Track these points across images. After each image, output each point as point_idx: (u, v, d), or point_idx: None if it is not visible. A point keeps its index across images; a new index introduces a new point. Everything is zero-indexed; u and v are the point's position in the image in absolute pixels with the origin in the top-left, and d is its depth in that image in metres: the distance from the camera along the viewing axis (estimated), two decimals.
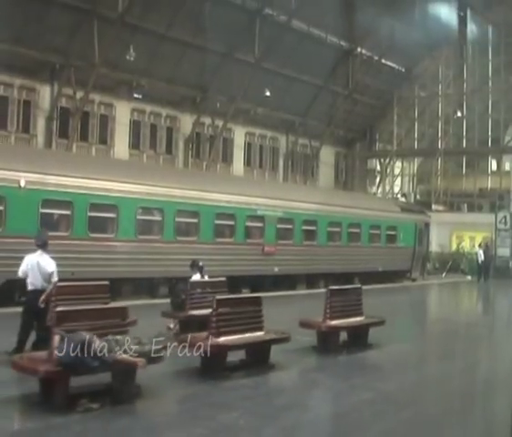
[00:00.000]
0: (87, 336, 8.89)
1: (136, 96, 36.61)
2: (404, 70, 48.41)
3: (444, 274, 39.41)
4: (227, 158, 41.40)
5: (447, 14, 44.34)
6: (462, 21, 44.51)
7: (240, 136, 41.95)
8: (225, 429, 8.25)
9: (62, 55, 32.59)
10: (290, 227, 26.38)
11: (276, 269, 24.47)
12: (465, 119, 49.95)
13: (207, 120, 39.90)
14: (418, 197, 50.85)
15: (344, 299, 14.52)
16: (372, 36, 41.99)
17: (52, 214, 19.30)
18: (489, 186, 47.51)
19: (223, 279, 15.22)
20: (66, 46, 32.37)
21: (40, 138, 33.46)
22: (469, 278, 37.06)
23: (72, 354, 8.76)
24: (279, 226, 25.75)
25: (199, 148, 40.07)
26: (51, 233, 17.50)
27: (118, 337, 9.43)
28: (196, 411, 8.92)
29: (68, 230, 19.39)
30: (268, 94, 39.35)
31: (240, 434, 8.19)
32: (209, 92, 38.20)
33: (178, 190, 22.03)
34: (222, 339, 10.54)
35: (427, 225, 35.81)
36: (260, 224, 25.02)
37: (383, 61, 44.69)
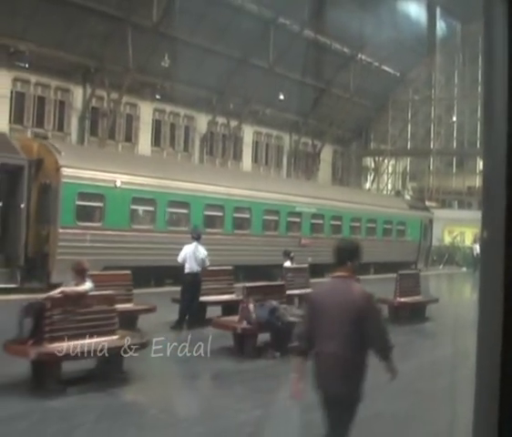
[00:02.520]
0: (274, 303, 12.73)
1: (157, 97, 39.88)
2: (398, 74, 52.80)
3: (441, 266, 43.85)
4: (237, 156, 45.01)
5: (440, 24, 48.71)
6: (453, 31, 48.96)
7: (248, 134, 45.73)
8: None
9: (96, 59, 35.70)
10: (321, 222, 30.34)
11: (310, 259, 28.24)
12: (456, 122, 54.60)
13: (220, 120, 43.35)
14: (411, 193, 55.32)
15: (408, 281, 18.59)
16: (371, 44, 45.93)
17: (139, 209, 22.83)
18: (477, 184, 52.13)
19: (306, 265, 19.06)
20: (100, 51, 35.47)
21: (73, 136, 36.56)
22: (464, 269, 41.45)
23: (264, 316, 12.59)
24: (313, 221, 29.66)
25: (212, 146, 43.56)
26: (138, 226, 21.40)
27: (285, 305, 13.31)
28: None
29: (152, 224, 22.95)
30: (282, 97, 43.13)
31: None
32: (225, 94, 41.67)
33: (235, 190, 25.74)
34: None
35: (431, 221, 40.32)
36: (297, 219, 28.88)
37: (382, 67, 48.74)
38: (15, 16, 31.58)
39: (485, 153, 2.43)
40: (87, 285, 10.23)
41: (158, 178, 23.32)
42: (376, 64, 48.64)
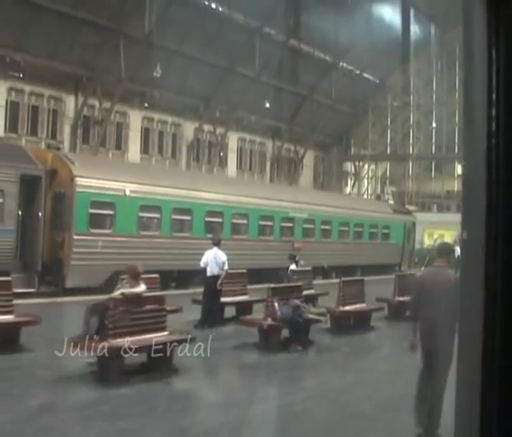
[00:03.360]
0: (297, 302, 14.28)
1: (146, 105, 41.20)
2: (378, 81, 54.73)
3: (423, 267, 45.62)
4: (222, 162, 46.49)
5: (418, 31, 50.75)
6: (431, 38, 51.07)
7: (233, 141, 47.26)
8: None
9: (88, 68, 36.91)
10: (312, 226, 31.97)
11: (302, 263, 29.81)
12: (434, 127, 56.77)
13: (206, 127, 44.80)
14: (390, 197, 57.33)
15: (405, 282, 20.28)
16: (352, 51, 47.78)
17: (146, 217, 24.24)
18: (456, 188, 54.30)
19: (309, 268, 20.66)
20: (92, 61, 36.68)
21: (66, 144, 37.73)
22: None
23: (288, 314, 14.12)
24: (304, 226, 31.29)
25: (198, 153, 44.99)
26: (145, 233, 22.83)
27: (304, 304, 14.87)
28: None
29: (158, 230, 24.37)
30: (268, 105, 44.67)
31: None
32: (211, 102, 43.12)
33: (234, 197, 27.29)
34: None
35: (414, 224, 42.21)
36: (290, 224, 30.49)
37: (362, 74, 50.65)
38: (11, 27, 32.62)
39: (465, 155, 2.45)
40: (142, 287, 11.63)
41: (163, 187, 24.68)
42: (357, 71, 50.37)
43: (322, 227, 33.02)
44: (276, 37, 43.40)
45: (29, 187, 20.68)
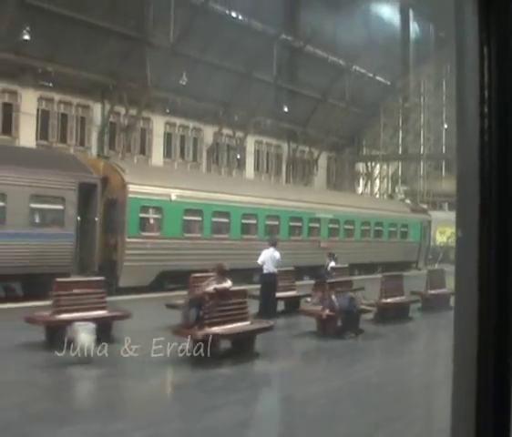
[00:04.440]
0: (352, 294, 16.25)
1: (167, 111, 43.18)
2: (389, 83, 56.81)
3: (436, 264, 47.72)
4: (240, 164, 48.50)
5: (429, 34, 52.87)
6: (441, 41, 53.13)
7: (250, 144, 49.23)
8: None
9: (115, 77, 38.83)
10: (336, 226, 33.98)
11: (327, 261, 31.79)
12: (444, 127, 58.95)
13: (225, 131, 46.78)
14: (402, 196, 59.42)
15: (436, 276, 22.31)
16: (365, 55, 49.82)
17: (190, 220, 26.22)
18: None
19: (346, 265, 22.65)
20: (119, 70, 38.59)
21: (93, 150, 39.67)
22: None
23: (345, 305, 16.11)
24: (330, 226, 33.29)
25: (218, 156, 46.99)
26: (188, 235, 24.82)
27: (354, 295, 16.85)
28: None
29: (200, 232, 26.36)
30: (286, 109, 46.67)
31: None
32: (230, 107, 45.10)
33: (267, 200, 29.32)
34: None
35: (429, 223, 44.27)
36: (317, 225, 32.49)
37: (375, 77, 52.77)
38: (43, 39, 34.51)
39: (458, 153, 2.42)
40: (228, 282, 13.63)
41: (204, 192, 26.66)
42: (370, 74, 52.44)
43: (346, 226, 34.99)
44: (293, 44, 45.21)
45: (86, 194, 22.59)
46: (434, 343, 17.13)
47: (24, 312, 18.23)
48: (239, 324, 13.27)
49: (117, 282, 23.17)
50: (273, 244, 18.92)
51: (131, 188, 23.42)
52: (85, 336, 12.20)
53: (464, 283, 2.37)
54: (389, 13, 51.23)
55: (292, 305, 19.79)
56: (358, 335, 16.30)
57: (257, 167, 50.21)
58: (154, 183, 24.69)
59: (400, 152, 62.01)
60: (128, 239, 23.30)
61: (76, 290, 14.05)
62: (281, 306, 19.96)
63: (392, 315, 18.87)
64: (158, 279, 24.68)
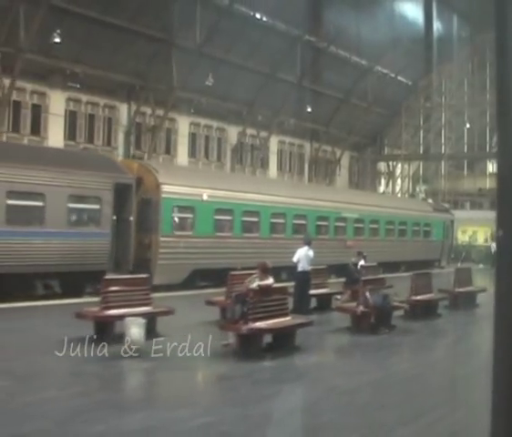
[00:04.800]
0: (385, 291, 16.82)
1: (192, 111, 43.90)
2: (411, 83, 57.27)
3: (459, 263, 48.19)
4: (263, 164, 49.17)
5: (451, 34, 53.27)
6: (463, 41, 53.58)
7: (273, 144, 49.88)
8: None
9: (142, 78, 39.58)
10: (362, 225, 34.53)
11: (353, 259, 32.28)
12: (466, 127, 59.36)
13: (249, 131, 47.45)
14: (423, 196, 59.93)
15: (463, 274, 22.89)
16: (387, 55, 50.32)
17: (221, 219, 26.88)
18: (488, 186, 56.80)
19: (375, 263, 23.21)
20: (145, 71, 39.34)
21: (120, 150, 40.46)
22: (481, 266, 45.79)
23: (379, 302, 16.66)
24: (355, 225, 33.86)
25: (242, 156, 47.67)
26: (219, 234, 25.47)
27: (388, 292, 17.41)
28: None
29: (230, 232, 27.01)
30: (309, 109, 47.27)
31: None
32: (254, 107, 45.75)
33: (295, 199, 29.94)
34: None
35: (452, 222, 44.74)
36: (343, 224, 33.08)
37: (397, 77, 53.30)
38: (72, 41, 35.32)
39: (499, 153, 2.36)
40: (270, 280, 14.27)
41: (234, 192, 27.33)
42: (392, 75, 52.94)
43: (371, 226, 35.55)
44: (316, 44, 45.79)
45: (121, 194, 23.30)
46: (465, 338, 17.78)
47: (62, 309, 19.09)
48: (280, 319, 13.87)
49: (151, 280, 23.77)
50: (308, 243, 19.53)
51: (165, 188, 24.10)
52: (136, 330, 12.83)
53: (505, 280, 2.31)
54: (410, 12, 51.58)
55: (324, 302, 20.34)
56: (391, 331, 16.85)
57: (280, 167, 50.81)
58: (186, 183, 25.38)
59: (421, 151, 62.34)
60: (161, 238, 23.98)
61: (123, 287, 14.67)
62: (313, 303, 20.51)
63: (421, 312, 19.40)
64: (191, 277, 25.32)
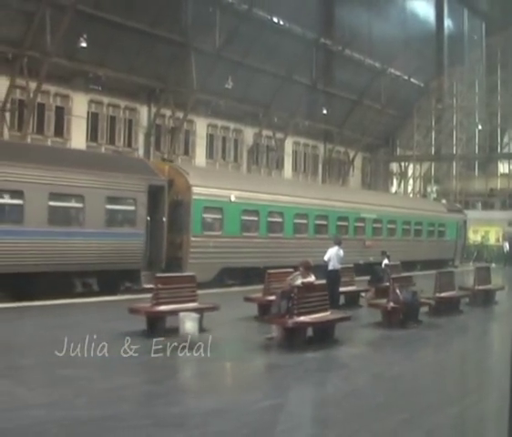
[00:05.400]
0: (414, 288, 17.99)
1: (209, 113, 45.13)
2: (423, 85, 58.46)
3: (471, 262, 49.39)
4: (279, 165, 50.40)
5: (462, 36, 54.48)
6: (473, 43, 54.77)
7: (288, 145, 51.09)
8: None
9: (161, 81, 40.75)
10: (380, 226, 35.73)
11: (371, 259, 33.43)
12: (477, 128, 60.54)
13: (264, 132, 48.67)
14: (435, 196, 61.13)
15: (483, 273, 24.03)
16: (400, 57, 51.52)
17: (247, 220, 28.08)
18: (499, 186, 57.96)
19: (398, 262, 24.40)
20: (166, 74, 40.50)
21: (140, 152, 41.66)
22: (493, 265, 46.94)
23: (409, 298, 17.83)
24: (374, 225, 35.05)
25: (257, 157, 48.89)
26: (246, 234, 26.66)
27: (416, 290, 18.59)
28: None
29: (257, 231, 28.21)
30: (325, 112, 48.47)
31: None
32: (271, 109, 46.97)
33: (317, 200, 31.13)
34: None
35: (465, 222, 45.93)
36: (362, 224, 34.27)
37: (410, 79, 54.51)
38: (95, 45, 36.52)
39: None
40: (312, 277, 15.46)
41: (259, 193, 28.53)
42: (405, 77, 54.14)
43: (389, 226, 36.73)
44: (331, 47, 46.99)
45: (155, 195, 24.50)
46: (489, 332, 19.11)
47: (99, 306, 20.29)
48: (321, 314, 15.05)
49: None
50: (338, 243, 20.70)
51: (195, 189, 25.29)
52: (190, 324, 14.02)
53: None
54: (422, 15, 52.78)
55: (352, 299, 21.52)
56: (418, 326, 18.03)
57: (294, 168, 52.02)
58: (215, 185, 26.56)
59: (433, 152, 63.54)
60: (192, 238, 25.17)
61: (173, 285, 15.87)
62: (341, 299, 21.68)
63: (445, 308, 20.57)
64: (219, 276, 26.48)
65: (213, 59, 40.36)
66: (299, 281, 14.96)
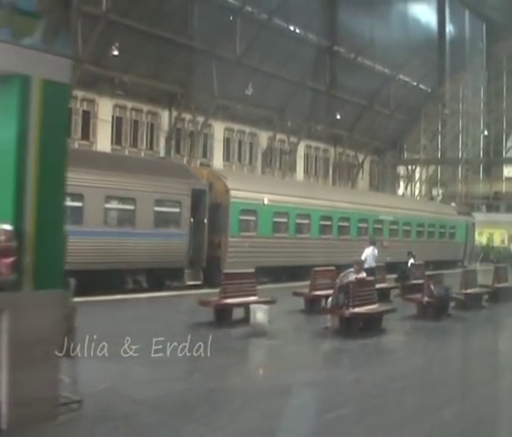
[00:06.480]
0: (446, 285, 20.43)
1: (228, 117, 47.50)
2: (430, 90, 61.10)
3: (477, 263, 51.86)
4: (291, 168, 52.87)
5: (468, 43, 57.14)
6: (479, 50, 57.49)
7: (301, 148, 53.54)
8: None
9: (182, 86, 43.03)
10: (396, 227, 38.22)
11: (388, 259, 35.72)
12: (482, 133, 63.26)
13: (278, 136, 51.08)
14: (441, 198, 63.81)
15: (501, 272, 26.54)
16: (409, 63, 54.10)
17: (278, 221, 30.46)
18: (504, 190, 60.70)
19: (422, 262, 26.84)
20: (187, 80, 42.77)
21: (161, 154, 43.92)
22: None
23: (442, 293, 20.25)
24: (391, 227, 37.54)
25: (271, 160, 51.32)
26: (277, 234, 29.06)
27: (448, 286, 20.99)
28: None
29: (286, 232, 30.61)
30: (338, 117, 50.96)
31: None
32: (285, 113, 49.41)
33: (340, 203, 33.62)
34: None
35: (473, 224, 48.55)
36: (380, 226, 36.74)
37: (419, 86, 57.16)
38: (122, 52, 38.78)
39: None
40: (363, 273, 17.90)
41: (289, 196, 30.95)
42: (414, 83, 56.78)
43: (404, 227, 39.23)
44: (343, 55, 49.47)
45: (197, 198, 26.84)
46: None
47: (150, 302, 22.52)
48: (371, 306, 17.45)
49: (220, 276, 27.27)
50: (373, 243, 23.13)
51: (233, 193, 27.64)
52: (261, 314, 16.34)
53: None
54: (430, 23, 55.43)
55: (384, 295, 23.93)
56: (449, 318, 20.48)
57: (306, 170, 54.46)
58: (250, 189, 28.95)
59: (439, 156, 66.20)
60: (230, 238, 27.52)
61: (237, 280, 18.24)
62: None
63: (470, 304, 23.03)
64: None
65: (233, 66, 42.51)
66: (352, 277, 17.31)
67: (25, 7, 8.13)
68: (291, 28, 45.74)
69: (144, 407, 9.29)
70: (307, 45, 47.01)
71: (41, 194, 8.15)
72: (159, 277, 25.73)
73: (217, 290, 23.58)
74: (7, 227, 7.85)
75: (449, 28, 57.03)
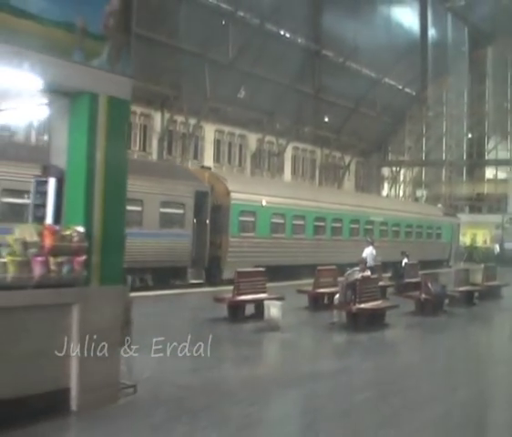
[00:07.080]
0: (443, 282, 21.83)
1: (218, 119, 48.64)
2: (414, 93, 62.76)
3: (462, 263, 53.51)
4: (279, 169, 54.18)
5: (452, 48, 58.89)
6: (463, 55, 59.26)
7: (288, 150, 54.84)
8: None
9: (175, 89, 44.12)
10: (386, 228, 39.67)
11: (379, 259, 37.08)
12: (466, 136, 65.13)
13: (267, 138, 52.36)
14: (425, 199, 65.52)
15: (490, 271, 28.01)
16: (395, 67, 55.67)
17: (275, 222, 31.71)
18: (486, 191, 62.50)
19: (416, 262, 28.25)
20: (180, 83, 43.84)
21: (154, 156, 45.01)
22: (483, 265, 50.99)
23: (438, 290, 21.64)
24: (381, 228, 38.97)
25: (260, 161, 52.57)
26: (275, 235, 30.33)
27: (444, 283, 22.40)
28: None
29: (284, 233, 31.89)
30: (326, 119, 52.35)
31: None
32: (274, 116, 50.69)
33: (334, 205, 34.93)
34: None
35: (458, 225, 50.18)
36: (371, 226, 38.16)
37: (405, 90, 58.81)
38: None
39: None
40: (368, 272, 19.22)
41: (285, 198, 32.22)
42: (399, 86, 58.39)
43: (393, 228, 40.69)
44: (332, 59, 50.89)
45: (199, 200, 28.02)
46: (504, 320, 23.06)
47: (155, 299, 23.58)
48: (376, 302, 18.78)
49: (221, 275, 28.54)
50: (372, 243, 24.46)
51: (233, 195, 28.84)
52: (275, 310, 17.54)
53: None
54: (415, 28, 57.10)
55: (381, 292, 25.22)
56: (445, 314, 21.85)
57: (293, 172, 55.79)
58: (249, 191, 30.18)
59: (423, 158, 67.94)
60: (231, 239, 28.72)
61: (249, 278, 19.46)
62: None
63: (462, 301, 24.43)
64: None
65: (225, 69, 43.67)
66: (358, 275, 18.62)
67: (93, 31, 9.15)
68: (282, 33, 46.75)
69: (191, 392, 10.32)
70: (296, 49, 48.20)
71: (107, 200, 9.17)
72: (164, 275, 26.75)
73: (218, 289, 24.91)
74: (80, 229, 8.89)
75: (432, 33, 58.66)
